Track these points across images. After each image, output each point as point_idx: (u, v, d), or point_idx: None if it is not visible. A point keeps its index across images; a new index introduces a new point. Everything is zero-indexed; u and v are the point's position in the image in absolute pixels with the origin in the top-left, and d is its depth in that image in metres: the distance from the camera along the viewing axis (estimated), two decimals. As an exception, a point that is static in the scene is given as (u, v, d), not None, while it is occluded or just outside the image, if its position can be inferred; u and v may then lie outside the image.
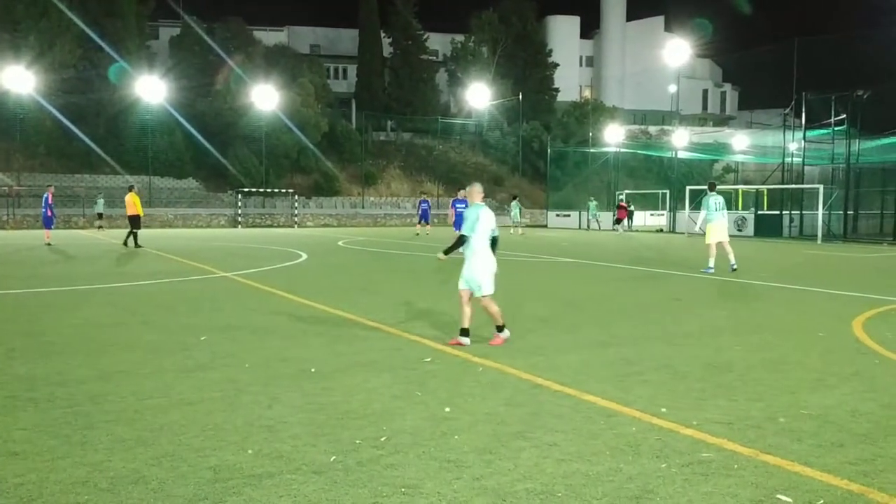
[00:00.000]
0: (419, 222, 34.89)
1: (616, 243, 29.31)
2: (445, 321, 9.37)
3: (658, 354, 7.39)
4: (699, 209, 17.41)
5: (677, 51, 46.08)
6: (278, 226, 47.13)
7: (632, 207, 45.13)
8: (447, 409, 5.38)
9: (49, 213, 25.50)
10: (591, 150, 52.73)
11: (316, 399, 5.64)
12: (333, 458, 4.37)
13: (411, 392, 5.87)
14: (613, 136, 51.08)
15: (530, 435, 4.81)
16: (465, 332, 7.74)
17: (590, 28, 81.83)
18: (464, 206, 22.64)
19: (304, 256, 20.71)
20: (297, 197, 48.74)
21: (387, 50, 65.38)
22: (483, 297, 7.74)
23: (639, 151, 56.61)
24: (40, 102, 43.13)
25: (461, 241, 7.77)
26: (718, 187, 17.48)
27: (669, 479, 4.06)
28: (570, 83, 74.44)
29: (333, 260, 20.24)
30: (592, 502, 3.76)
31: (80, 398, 5.64)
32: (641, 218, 46.79)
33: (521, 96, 58.58)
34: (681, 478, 4.08)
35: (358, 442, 4.66)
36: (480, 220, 7.65)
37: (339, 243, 27.53)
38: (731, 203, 43.83)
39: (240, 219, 46.05)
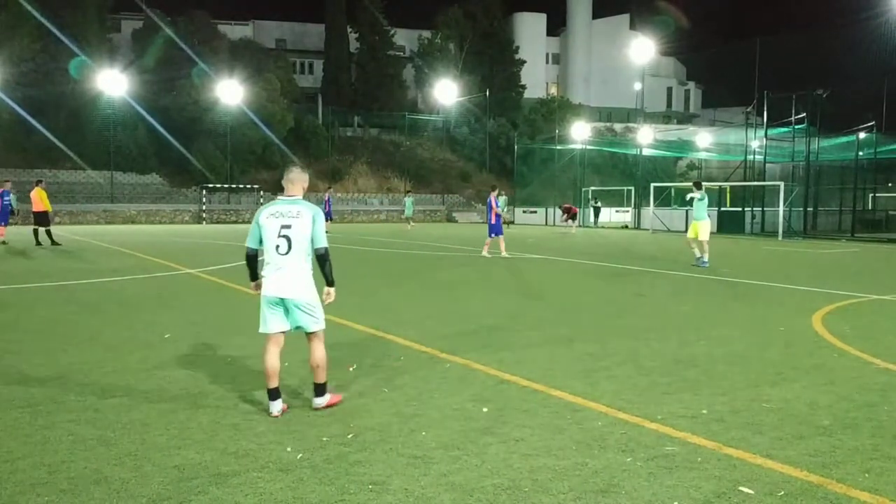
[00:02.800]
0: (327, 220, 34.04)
1: (580, 240, 29.53)
2: (411, 317, 9.38)
3: (623, 349, 7.47)
4: (681, 206, 17.83)
5: (642, 49, 46.48)
6: (243, 222, 46.60)
7: (599, 204, 45.56)
8: (414, 403, 5.38)
9: None
10: (558, 147, 53.02)
11: (281, 396, 5.59)
12: (300, 455, 4.34)
13: (378, 389, 5.86)
14: (579, 133, 51.41)
15: (497, 430, 4.84)
16: (268, 394, 5.27)
17: (556, 25, 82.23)
18: (498, 205, 20.17)
19: (270, 253, 20.51)
20: (262, 192, 48.30)
21: (353, 45, 64.98)
22: (312, 333, 5.41)
23: (604, 149, 57.05)
24: (-2, 95, 42.16)
25: (249, 260, 5.49)
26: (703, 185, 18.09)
27: (635, 473, 4.10)
28: (536, 80, 74.71)
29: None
30: (559, 496, 3.78)
31: (39, 397, 5.53)
32: (607, 214, 47.27)
33: (488, 93, 58.66)
34: (646, 471, 4.13)
35: (325, 439, 4.64)
36: (263, 225, 5.24)
37: (306, 239, 27.34)
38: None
39: (204, 215, 45.51)
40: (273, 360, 5.27)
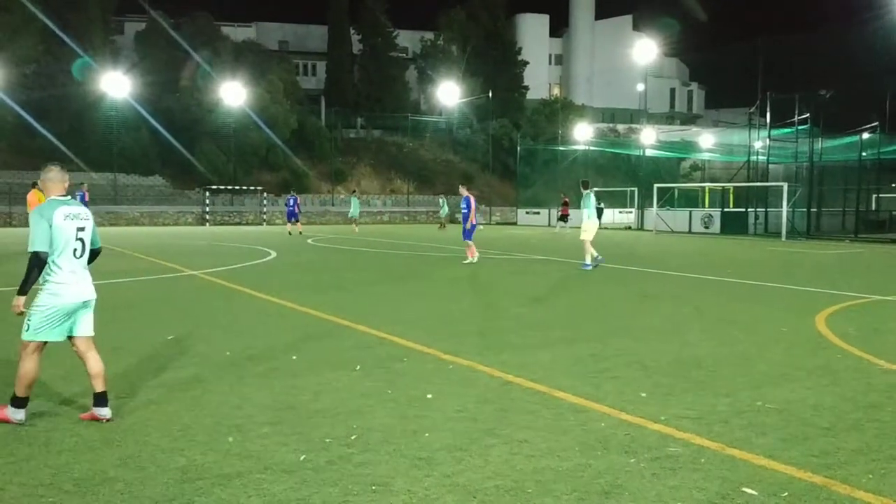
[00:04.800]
0: (288, 221, 33.26)
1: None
2: (415, 319, 9.37)
3: (626, 350, 7.46)
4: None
5: (645, 50, 46.49)
6: (247, 223, 46.71)
7: (602, 205, 45.51)
8: (417, 405, 5.38)
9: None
10: (561, 148, 53.04)
11: (285, 398, 5.61)
12: (303, 456, 4.34)
13: (381, 390, 5.86)
14: (582, 134, 51.42)
15: (501, 432, 4.83)
16: (18, 402, 4.89)
17: (559, 26, 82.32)
18: (465, 206, 18.20)
19: (273, 254, 20.55)
20: (265, 194, 48.35)
21: (356, 47, 65.10)
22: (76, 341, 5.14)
23: (607, 150, 57.05)
24: (1, 98, 42.20)
25: (41, 266, 4.98)
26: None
27: (638, 474, 4.10)
28: (539, 81, 74.71)
29: (303, 258, 20.12)
30: (562, 498, 3.78)
31: (43, 399, 5.54)
32: (610, 215, 47.29)
33: (490, 94, 58.69)
34: (649, 472, 4.13)
35: (328, 440, 4.64)
36: (59, 227, 4.91)
37: (309, 241, 27.36)
38: (698, 201, 44.60)
39: (207, 216, 45.55)
40: (37, 368, 4.98)
